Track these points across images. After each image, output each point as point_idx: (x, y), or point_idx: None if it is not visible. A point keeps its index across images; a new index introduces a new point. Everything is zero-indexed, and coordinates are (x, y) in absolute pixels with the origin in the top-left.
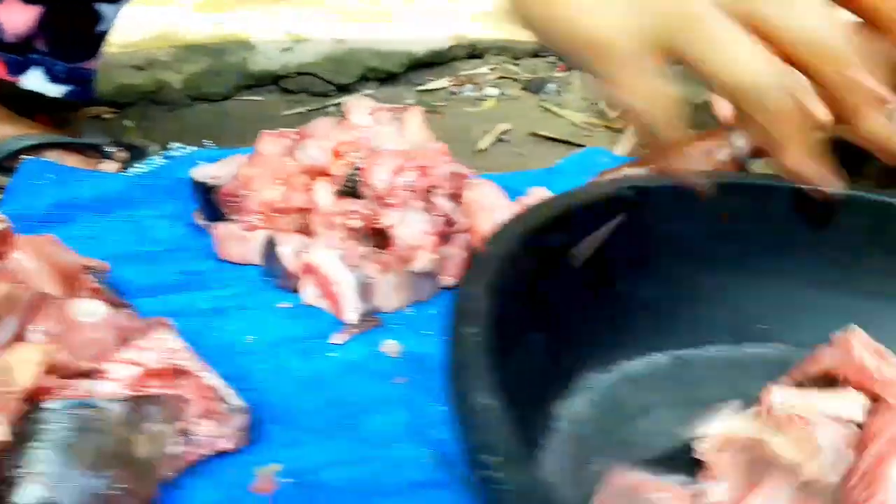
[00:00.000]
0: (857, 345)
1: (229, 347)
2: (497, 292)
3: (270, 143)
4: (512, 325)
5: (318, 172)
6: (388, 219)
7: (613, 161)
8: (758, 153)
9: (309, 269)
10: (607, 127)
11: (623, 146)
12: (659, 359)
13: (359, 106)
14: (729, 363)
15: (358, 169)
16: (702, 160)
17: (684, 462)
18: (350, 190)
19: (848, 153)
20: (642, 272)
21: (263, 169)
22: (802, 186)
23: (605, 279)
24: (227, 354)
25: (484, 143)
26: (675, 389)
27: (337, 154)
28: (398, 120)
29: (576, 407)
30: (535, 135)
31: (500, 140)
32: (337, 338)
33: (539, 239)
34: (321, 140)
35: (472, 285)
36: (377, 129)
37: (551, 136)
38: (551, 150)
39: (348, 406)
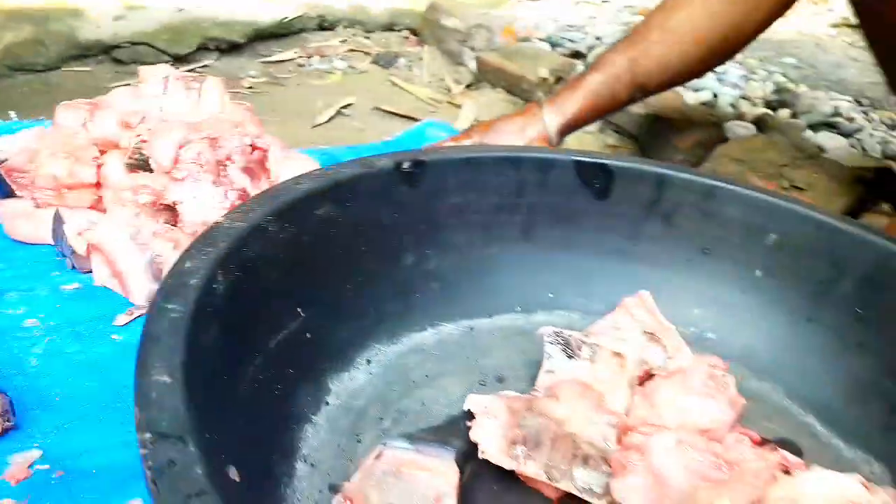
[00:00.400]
0: (640, 309)
1: (5, 331)
2: (235, 267)
3: (68, 115)
4: (261, 300)
5: (111, 145)
6: (173, 194)
7: (450, 134)
8: (566, 131)
9: (95, 248)
10: (450, 103)
11: (462, 120)
12: (449, 329)
13: (153, 74)
14: (518, 331)
15: (143, 141)
16: (515, 136)
17: (462, 429)
18: (140, 163)
19: (664, 128)
20: (430, 244)
21: (53, 142)
22: (585, 159)
23: (390, 252)
24: (2, 339)
25: (323, 116)
26: (463, 358)
27: (127, 126)
28: (195, 90)
29: (356, 380)
30: (379, 109)
31: (341, 114)
32: (121, 319)
33: (300, 211)
34: (114, 111)
35: (191, 259)
36: (170, 100)
37: (395, 111)
38: (393, 125)
39: (124, 390)
